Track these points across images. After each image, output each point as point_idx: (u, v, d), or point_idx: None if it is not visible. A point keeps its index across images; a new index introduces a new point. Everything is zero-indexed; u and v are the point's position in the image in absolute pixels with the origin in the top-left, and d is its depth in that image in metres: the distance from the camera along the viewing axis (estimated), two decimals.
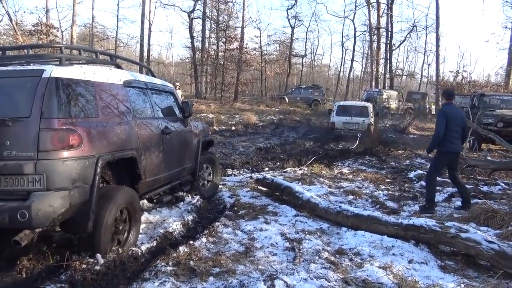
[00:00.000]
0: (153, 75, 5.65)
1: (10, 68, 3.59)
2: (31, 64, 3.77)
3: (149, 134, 4.45)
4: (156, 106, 4.94)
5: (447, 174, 6.38)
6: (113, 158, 3.73)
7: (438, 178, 7.65)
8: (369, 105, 15.08)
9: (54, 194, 3.18)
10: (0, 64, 3.79)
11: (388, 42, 34.29)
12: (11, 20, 22.13)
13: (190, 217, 5.08)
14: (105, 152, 3.64)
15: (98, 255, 3.55)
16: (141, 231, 4.42)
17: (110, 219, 3.61)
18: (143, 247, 3.90)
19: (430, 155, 5.79)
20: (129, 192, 3.99)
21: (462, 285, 3.21)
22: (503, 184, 7.26)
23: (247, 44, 35.88)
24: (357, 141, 12.75)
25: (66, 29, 32.63)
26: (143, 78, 5.05)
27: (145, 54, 31.80)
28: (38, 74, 3.38)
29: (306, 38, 46.36)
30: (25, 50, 4.55)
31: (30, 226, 3.13)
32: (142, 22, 30.16)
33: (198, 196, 5.84)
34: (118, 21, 36.11)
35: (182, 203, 5.58)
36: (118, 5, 35.67)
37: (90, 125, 3.57)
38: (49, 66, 3.54)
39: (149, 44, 32.47)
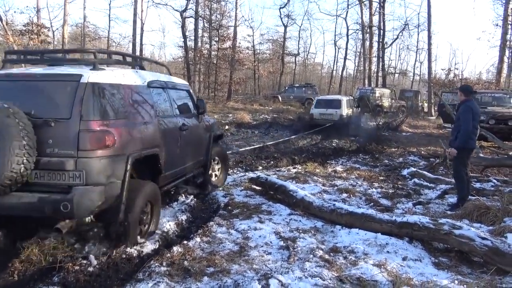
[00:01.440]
0: (170, 74, 5.98)
1: (51, 71, 3.91)
2: (69, 68, 4.08)
3: (169, 131, 4.76)
4: (174, 103, 5.26)
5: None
6: (140, 156, 4.04)
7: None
8: (343, 98, 17.41)
9: (92, 188, 3.47)
10: (41, 66, 4.16)
11: (381, 40, 34.42)
12: (1, 20, 21.89)
13: (184, 217, 5.06)
14: (134, 151, 3.94)
15: (92, 257, 3.55)
16: None
17: (137, 211, 3.92)
18: (137, 248, 3.87)
19: (453, 152, 5.73)
20: (153, 186, 4.33)
21: (456, 282, 3.22)
22: (495, 181, 7.31)
23: (240, 43, 35.86)
24: (323, 127, 15.20)
25: (57, 28, 32.41)
26: (163, 77, 5.34)
27: (138, 53, 31.66)
28: (76, 79, 3.66)
29: (299, 36, 46.42)
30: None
31: (72, 216, 3.47)
32: (134, 22, 30.07)
33: (192, 196, 5.82)
34: (110, 20, 36.04)
35: (175, 203, 5.56)
36: (110, 4, 35.65)
37: (121, 126, 3.85)
38: (86, 71, 3.81)
39: (141, 44, 32.37)
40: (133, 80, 4.36)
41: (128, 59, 5.11)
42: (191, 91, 6.10)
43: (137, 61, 5.26)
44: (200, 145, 5.88)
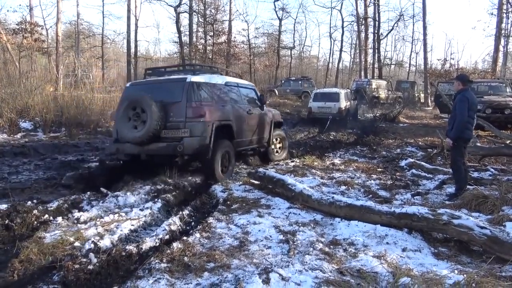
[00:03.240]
0: (241, 78, 9.12)
1: (170, 77, 7.10)
2: (181, 75, 7.21)
3: (238, 113, 7.53)
4: (243, 96, 8.05)
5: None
6: (219, 123, 6.76)
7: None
8: (341, 91, 17.30)
9: (193, 138, 6.26)
10: (167, 75, 7.54)
11: (376, 31, 34.43)
12: None
13: (185, 212, 5.04)
14: (216, 120, 6.66)
15: (91, 255, 3.54)
16: (131, 227, 4.40)
17: (219, 155, 6.70)
18: (136, 244, 3.86)
19: (449, 142, 5.78)
20: (227, 142, 7.06)
21: (456, 271, 3.22)
22: (493, 170, 7.34)
23: (235, 37, 35.80)
24: (328, 123, 15.12)
25: (51, 26, 32.16)
26: (236, 80, 8.24)
27: (132, 50, 31.56)
28: (183, 80, 6.61)
29: (294, 29, 46.32)
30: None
31: (183, 154, 6.32)
32: (128, 18, 29.88)
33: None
34: (103, 17, 35.93)
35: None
36: (103, 1, 35.27)
37: (208, 106, 6.65)
38: (189, 76, 6.75)
39: (136, 40, 32.27)
40: (216, 80, 7.28)
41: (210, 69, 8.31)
42: (256, 89, 8.83)
43: (218, 70, 8.41)
44: (263, 126, 8.46)
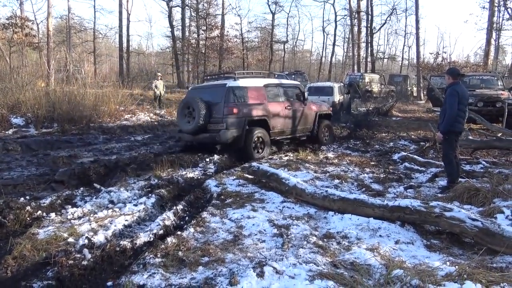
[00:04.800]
0: (286, 78, 11.19)
1: (216, 83, 8.93)
2: (224, 80, 8.90)
3: (275, 108, 9.02)
4: (283, 94, 9.45)
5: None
6: (252, 119, 8.42)
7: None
8: (334, 85, 17.58)
9: (228, 130, 7.99)
10: (213, 80, 9.71)
11: (369, 25, 34.43)
12: None
13: (179, 207, 5.04)
14: (248, 116, 8.34)
15: (86, 250, 3.54)
16: (125, 222, 4.40)
17: (251, 140, 8.33)
18: (131, 240, 3.86)
19: (439, 136, 5.83)
20: (260, 129, 8.59)
21: (448, 263, 3.26)
22: (484, 163, 7.40)
23: (227, 31, 35.62)
24: None
25: (41, 21, 31.84)
26: (277, 81, 9.83)
27: (125, 44, 31.31)
28: (224, 85, 8.34)
29: (287, 24, 46.20)
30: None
31: (220, 142, 8.16)
32: (120, 12, 29.64)
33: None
34: (95, 11, 35.56)
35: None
36: None
37: (242, 105, 8.32)
38: (229, 81, 8.47)
39: (128, 35, 31.96)
40: (254, 83, 8.82)
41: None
42: (300, 87, 10.19)
43: (261, 74, 10.05)
44: (305, 118, 9.88)
